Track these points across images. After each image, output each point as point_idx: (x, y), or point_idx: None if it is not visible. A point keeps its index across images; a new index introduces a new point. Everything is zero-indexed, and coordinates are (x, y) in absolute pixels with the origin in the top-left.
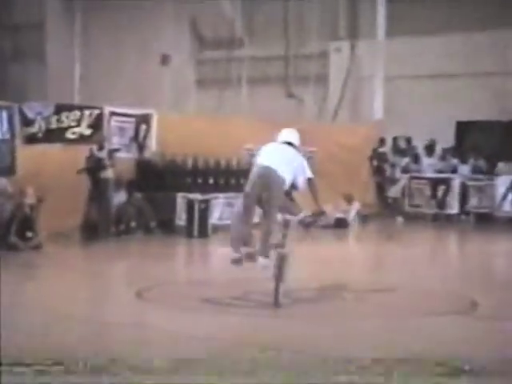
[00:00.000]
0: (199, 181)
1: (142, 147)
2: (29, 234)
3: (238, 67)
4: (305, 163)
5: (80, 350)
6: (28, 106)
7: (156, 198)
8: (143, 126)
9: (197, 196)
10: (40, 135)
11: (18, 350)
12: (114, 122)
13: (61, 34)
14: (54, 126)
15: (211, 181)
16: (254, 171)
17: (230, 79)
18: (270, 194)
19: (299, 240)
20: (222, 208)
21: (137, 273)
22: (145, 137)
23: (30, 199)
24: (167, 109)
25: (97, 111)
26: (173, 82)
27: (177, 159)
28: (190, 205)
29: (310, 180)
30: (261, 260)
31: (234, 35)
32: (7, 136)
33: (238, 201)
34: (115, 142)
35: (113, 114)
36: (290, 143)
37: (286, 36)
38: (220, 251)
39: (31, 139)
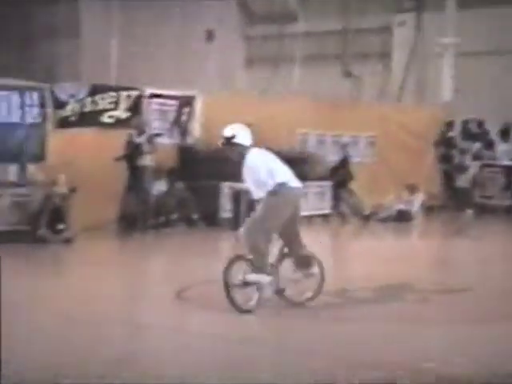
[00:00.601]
0: None
1: (184, 132)
2: (60, 226)
3: (291, 44)
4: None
5: (110, 354)
6: (60, 88)
7: (199, 187)
8: (186, 109)
9: (243, 185)
10: (73, 119)
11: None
12: (155, 105)
13: (96, 9)
14: (88, 108)
15: None
16: (286, 193)
17: (281, 57)
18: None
19: (357, 234)
20: None
21: (177, 270)
22: (188, 121)
23: (61, 188)
24: (213, 90)
25: (135, 93)
26: (219, 61)
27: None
28: (236, 195)
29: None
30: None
31: (287, 9)
32: (38, 120)
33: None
34: (155, 126)
35: (153, 95)
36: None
37: (345, 9)
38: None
39: (64, 123)
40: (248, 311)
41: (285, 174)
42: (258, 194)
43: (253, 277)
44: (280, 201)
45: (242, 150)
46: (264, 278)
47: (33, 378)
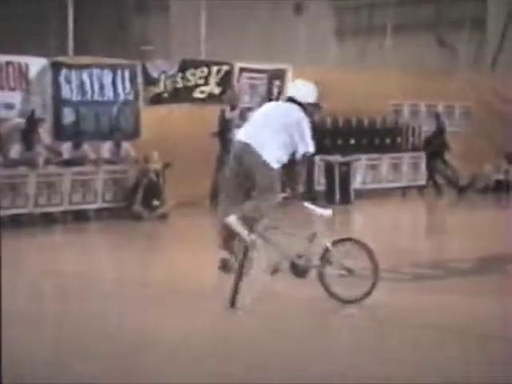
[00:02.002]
0: (339, 141)
1: None
2: (155, 203)
3: (382, 14)
4: (302, 132)
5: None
6: (152, 64)
7: (292, 161)
8: (277, 83)
9: (337, 158)
10: (165, 95)
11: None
12: (245, 79)
13: None
14: (179, 84)
15: (353, 141)
16: (232, 150)
17: (373, 27)
18: (256, 180)
19: (453, 206)
20: (364, 171)
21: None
22: (279, 94)
23: (155, 165)
24: (303, 63)
25: (226, 67)
26: (309, 33)
27: (315, 118)
28: (329, 168)
29: (306, 154)
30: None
31: None
32: (130, 97)
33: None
34: (246, 100)
35: (243, 70)
36: (293, 100)
37: None
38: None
39: (156, 100)
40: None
41: (247, 130)
42: None
43: None
44: (229, 159)
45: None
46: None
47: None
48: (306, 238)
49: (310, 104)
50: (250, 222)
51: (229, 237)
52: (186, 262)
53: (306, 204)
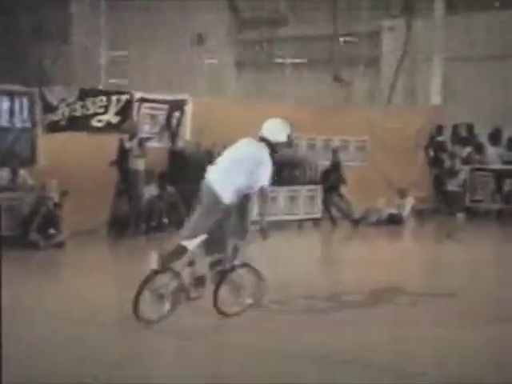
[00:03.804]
0: None
1: (174, 136)
2: (51, 231)
3: (281, 48)
4: (264, 171)
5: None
6: (50, 91)
7: (191, 191)
8: (176, 113)
9: None
10: (63, 123)
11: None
12: (145, 109)
13: (86, 13)
14: (78, 113)
15: None
16: (202, 187)
17: (271, 61)
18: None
19: (348, 238)
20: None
21: None
22: (178, 125)
23: (52, 193)
24: (203, 94)
25: (125, 97)
26: (209, 65)
27: (214, 149)
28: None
29: (261, 188)
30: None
31: (277, 13)
32: (27, 124)
33: None
34: (146, 130)
35: (143, 100)
36: (265, 140)
37: (334, 13)
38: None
39: (54, 127)
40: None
41: (215, 171)
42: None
43: None
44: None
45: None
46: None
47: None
48: None
49: (281, 143)
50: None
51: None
52: (85, 288)
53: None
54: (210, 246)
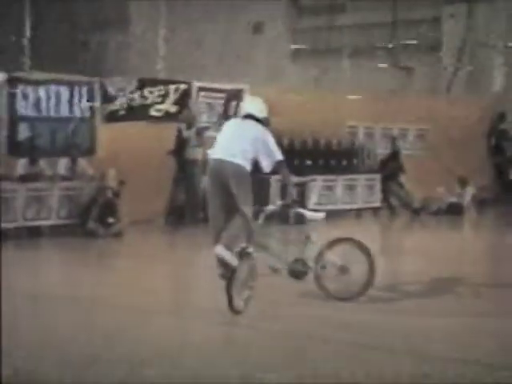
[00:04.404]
0: (295, 162)
1: None
2: (109, 220)
3: (340, 36)
4: (271, 142)
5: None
6: (109, 81)
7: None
8: (234, 102)
9: (293, 179)
10: (122, 113)
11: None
12: (202, 98)
13: (144, 2)
14: (137, 102)
15: (308, 162)
16: (208, 169)
17: (330, 49)
18: (237, 195)
19: (408, 228)
20: (320, 192)
21: None
22: (235, 114)
23: (111, 182)
24: (260, 83)
25: (183, 86)
26: (267, 54)
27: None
28: (284, 188)
29: (279, 163)
30: (219, 249)
31: (335, 1)
32: (87, 114)
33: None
34: (203, 119)
35: (201, 89)
36: (251, 116)
37: (394, 0)
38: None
39: (112, 117)
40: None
41: (218, 146)
42: None
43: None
44: (207, 178)
45: None
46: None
47: None
48: (301, 242)
49: (264, 119)
50: (237, 241)
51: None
52: (143, 277)
53: (300, 210)
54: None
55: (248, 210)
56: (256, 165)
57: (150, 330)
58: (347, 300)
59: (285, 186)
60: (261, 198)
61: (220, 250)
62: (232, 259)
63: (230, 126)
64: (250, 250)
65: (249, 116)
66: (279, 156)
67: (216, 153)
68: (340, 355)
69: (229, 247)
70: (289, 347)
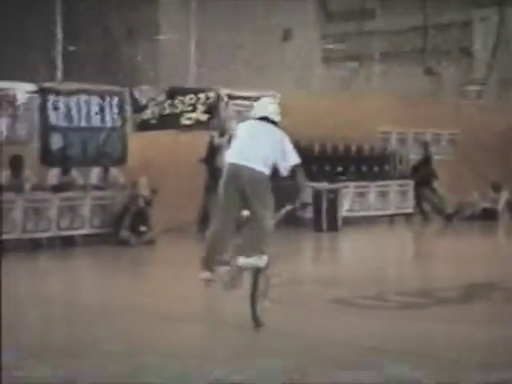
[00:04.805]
0: (327, 168)
1: None
2: (142, 228)
3: (369, 41)
4: (288, 145)
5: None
6: (140, 91)
7: (279, 187)
8: None
9: (324, 185)
10: (153, 121)
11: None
12: (232, 106)
13: (174, 11)
14: (167, 111)
15: (340, 168)
16: (225, 173)
17: (360, 55)
18: (253, 200)
19: (441, 233)
20: (352, 198)
21: None
22: None
23: (143, 191)
24: (290, 89)
25: (213, 94)
26: (296, 60)
27: (302, 144)
28: (317, 195)
29: (296, 166)
30: (243, 259)
31: (365, 6)
32: (118, 123)
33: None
34: (234, 127)
35: (231, 96)
36: (267, 119)
37: (424, 5)
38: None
39: (143, 126)
40: None
41: (235, 150)
42: None
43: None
44: (221, 182)
45: None
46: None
47: None
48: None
49: (278, 122)
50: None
51: (212, 259)
52: (175, 285)
53: None
54: None
55: (266, 215)
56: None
57: (182, 338)
58: None
59: (318, 192)
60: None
61: (243, 260)
62: (259, 261)
63: (246, 129)
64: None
65: (264, 118)
66: (297, 159)
67: (232, 157)
68: (370, 361)
69: (249, 255)
70: (318, 354)
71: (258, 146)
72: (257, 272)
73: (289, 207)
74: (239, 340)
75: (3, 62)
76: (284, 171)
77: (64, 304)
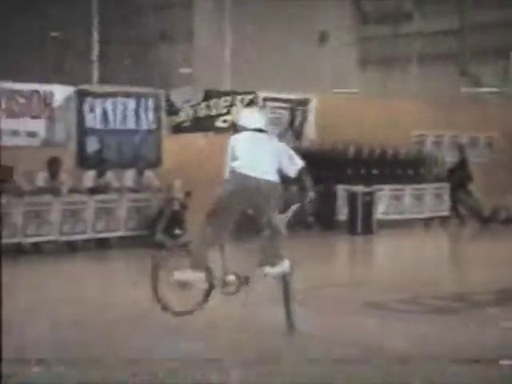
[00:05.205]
0: (362, 171)
1: (298, 135)
2: (177, 231)
3: (406, 44)
4: (290, 150)
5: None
6: (175, 93)
7: (314, 190)
8: (300, 112)
9: (360, 188)
10: (188, 124)
11: None
12: (268, 109)
13: (209, 14)
14: (202, 114)
15: (376, 171)
16: (233, 181)
17: (396, 57)
18: (267, 209)
19: (476, 237)
20: (387, 201)
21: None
22: (301, 124)
23: (178, 193)
24: (326, 92)
25: (249, 97)
26: (332, 63)
27: (337, 148)
28: (352, 198)
29: (302, 169)
30: (269, 269)
31: (401, 8)
32: (153, 126)
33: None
34: (270, 130)
35: (266, 99)
36: (260, 130)
37: (461, 6)
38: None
39: (178, 129)
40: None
41: (245, 161)
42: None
43: (183, 274)
44: (228, 189)
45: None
46: (194, 275)
47: None
48: None
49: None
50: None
51: (205, 258)
52: None
53: None
54: None
55: (279, 221)
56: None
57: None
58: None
59: (353, 195)
60: (328, 210)
61: (269, 270)
62: (285, 267)
63: (246, 141)
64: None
65: (258, 130)
66: (302, 163)
67: (242, 168)
68: (403, 367)
69: (274, 264)
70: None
71: (265, 156)
72: (284, 278)
73: (295, 206)
74: (274, 344)
75: (41, 65)
76: (292, 174)
77: (99, 306)
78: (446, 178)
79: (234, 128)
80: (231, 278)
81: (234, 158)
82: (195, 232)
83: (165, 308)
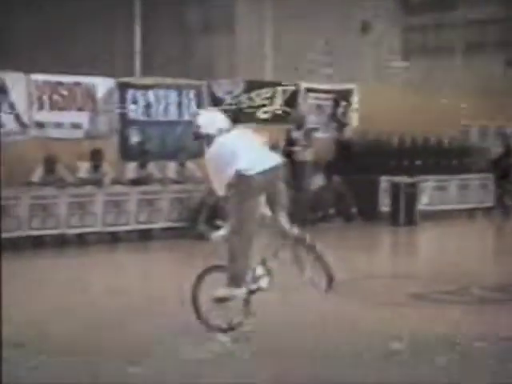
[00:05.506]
0: (406, 162)
1: (341, 125)
2: (218, 222)
3: (450, 33)
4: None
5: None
6: (217, 84)
7: (357, 181)
8: (343, 103)
9: (403, 179)
10: (229, 115)
11: None
12: (311, 99)
13: (251, 4)
14: (244, 105)
15: (419, 162)
16: (250, 184)
17: (440, 47)
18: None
19: (497, 229)
20: (431, 192)
21: (335, 265)
22: (344, 114)
23: None
24: (369, 82)
25: (291, 88)
26: (375, 53)
27: (381, 138)
28: (395, 189)
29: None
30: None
31: None
32: None
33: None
34: (312, 120)
35: (309, 90)
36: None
37: None
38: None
39: None
40: (231, 329)
41: (250, 158)
42: (221, 189)
43: (223, 291)
44: (244, 193)
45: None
46: (236, 291)
47: None
48: None
49: None
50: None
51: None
52: None
53: None
54: None
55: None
56: None
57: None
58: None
59: (396, 186)
60: (371, 201)
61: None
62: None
63: (236, 139)
64: None
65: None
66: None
67: (251, 167)
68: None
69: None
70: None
71: (258, 147)
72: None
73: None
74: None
75: (84, 57)
76: None
77: (142, 296)
78: (490, 169)
79: (276, 119)
80: (260, 270)
81: (235, 160)
82: (227, 248)
83: (207, 325)
